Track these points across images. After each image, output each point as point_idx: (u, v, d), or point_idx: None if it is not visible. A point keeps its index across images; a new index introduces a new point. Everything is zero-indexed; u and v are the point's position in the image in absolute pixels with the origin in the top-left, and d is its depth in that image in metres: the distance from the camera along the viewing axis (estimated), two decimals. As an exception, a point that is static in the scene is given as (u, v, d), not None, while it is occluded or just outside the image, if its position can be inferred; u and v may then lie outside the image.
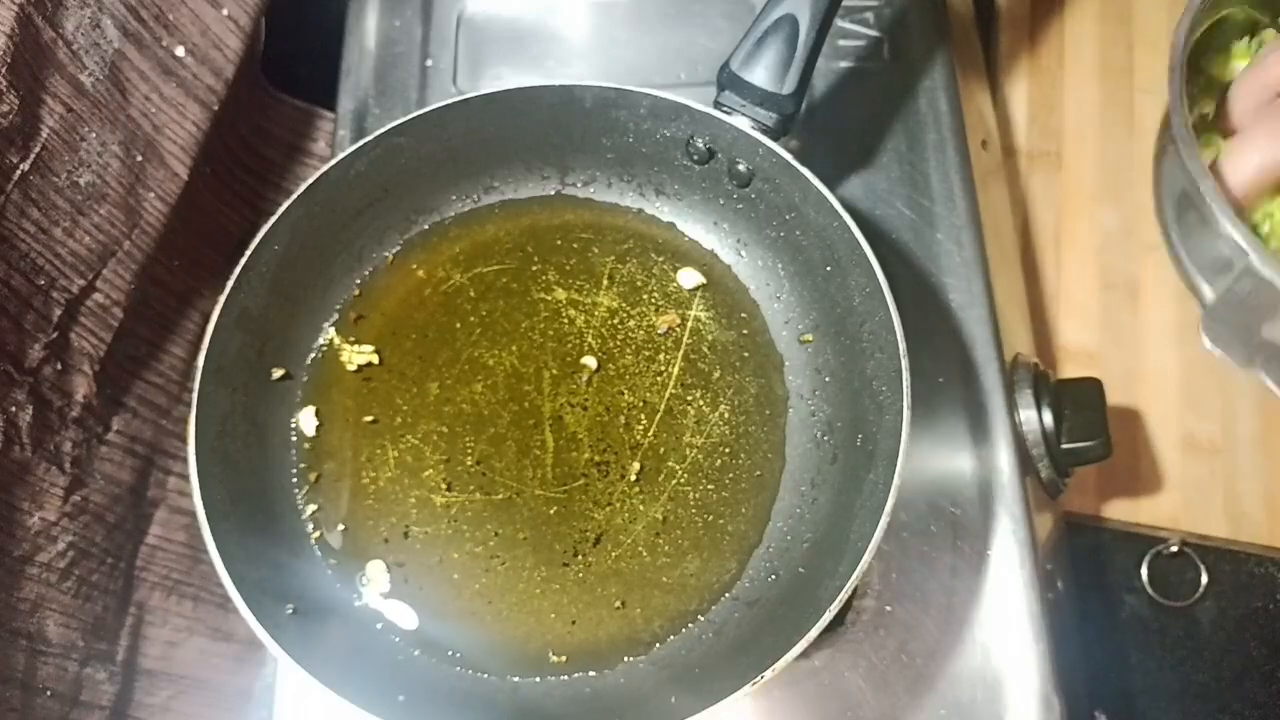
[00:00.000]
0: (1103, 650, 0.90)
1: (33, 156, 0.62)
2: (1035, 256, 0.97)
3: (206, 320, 0.66)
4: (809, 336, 0.72)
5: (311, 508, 0.69)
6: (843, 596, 0.57)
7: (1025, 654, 0.70)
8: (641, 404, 0.71)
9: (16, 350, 0.63)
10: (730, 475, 0.70)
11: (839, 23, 0.88)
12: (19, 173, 0.61)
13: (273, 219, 0.69)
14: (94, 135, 0.66)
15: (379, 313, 0.75)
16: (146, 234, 0.71)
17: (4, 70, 0.58)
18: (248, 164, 0.89)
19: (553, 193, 0.78)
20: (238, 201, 0.86)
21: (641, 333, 0.74)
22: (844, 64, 0.89)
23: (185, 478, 0.63)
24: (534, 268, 0.76)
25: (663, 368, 0.73)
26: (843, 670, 0.70)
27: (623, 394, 0.72)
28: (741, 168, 0.71)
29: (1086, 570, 0.90)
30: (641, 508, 0.69)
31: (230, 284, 0.67)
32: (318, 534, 0.69)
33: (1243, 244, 0.53)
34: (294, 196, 0.69)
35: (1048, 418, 0.76)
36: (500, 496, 0.69)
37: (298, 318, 0.73)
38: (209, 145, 0.76)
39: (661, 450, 0.70)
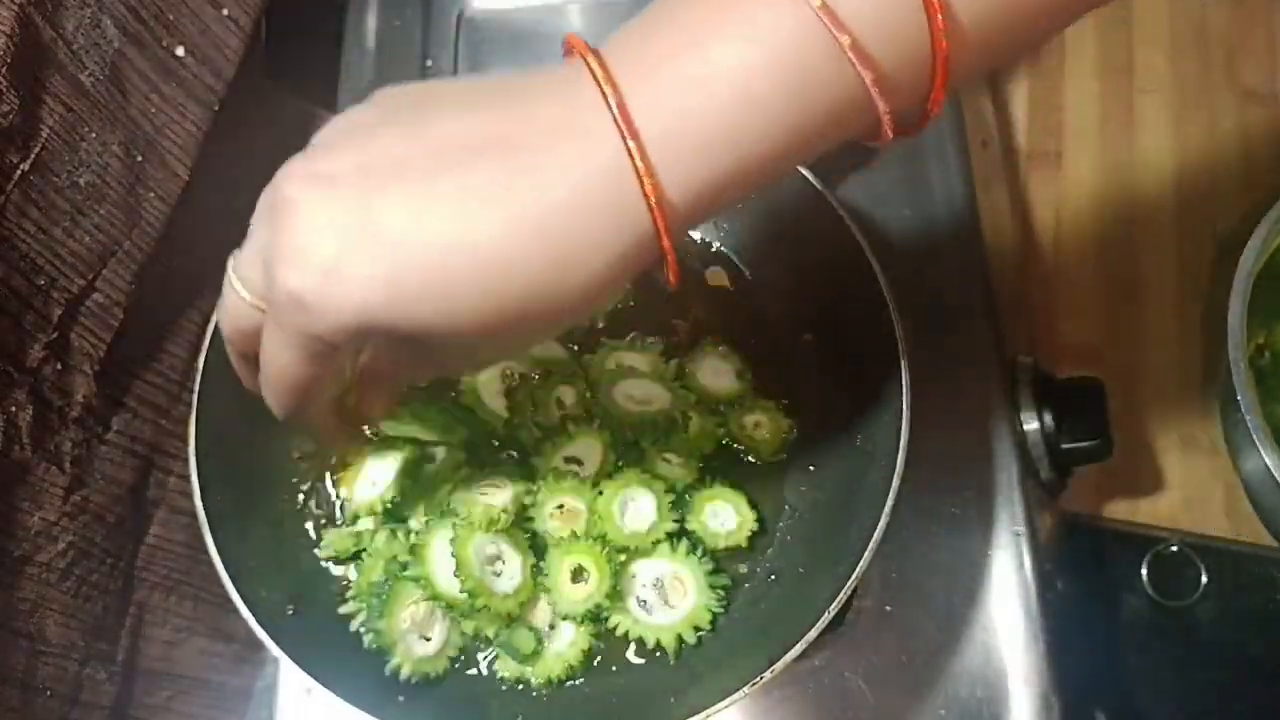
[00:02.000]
0: (1102, 650, 0.90)
1: (33, 156, 0.62)
2: (1035, 256, 0.97)
3: (206, 320, 0.66)
4: (809, 337, 0.72)
5: (312, 506, 0.69)
6: (843, 596, 0.57)
7: (1025, 654, 0.70)
8: (641, 404, 0.71)
9: (16, 350, 0.63)
10: (730, 475, 0.70)
11: (839, 23, 0.88)
12: (19, 173, 0.61)
13: (273, 219, 0.69)
14: (94, 135, 0.66)
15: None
16: (146, 234, 0.71)
17: (4, 70, 0.58)
18: (248, 164, 0.89)
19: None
20: (238, 201, 0.86)
21: (641, 333, 0.74)
22: (844, 64, 0.88)
23: (185, 478, 0.63)
24: (534, 268, 0.76)
25: (663, 368, 0.72)
26: (843, 670, 0.70)
27: (623, 394, 0.72)
28: (741, 168, 0.71)
29: (1086, 570, 0.90)
30: (641, 508, 0.69)
31: (230, 284, 0.67)
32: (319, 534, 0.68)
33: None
34: (294, 196, 0.69)
35: (1048, 418, 0.75)
36: (500, 496, 0.69)
37: (298, 318, 0.72)
38: (209, 145, 0.76)
39: (661, 450, 0.70)
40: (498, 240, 0.38)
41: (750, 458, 0.68)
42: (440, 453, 0.68)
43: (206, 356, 0.65)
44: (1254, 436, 0.65)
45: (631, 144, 0.38)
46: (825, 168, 0.68)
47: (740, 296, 0.74)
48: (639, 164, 0.38)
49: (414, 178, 0.39)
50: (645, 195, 0.38)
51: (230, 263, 0.46)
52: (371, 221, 0.38)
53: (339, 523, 0.68)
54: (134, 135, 0.70)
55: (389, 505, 0.66)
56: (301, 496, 0.69)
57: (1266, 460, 0.65)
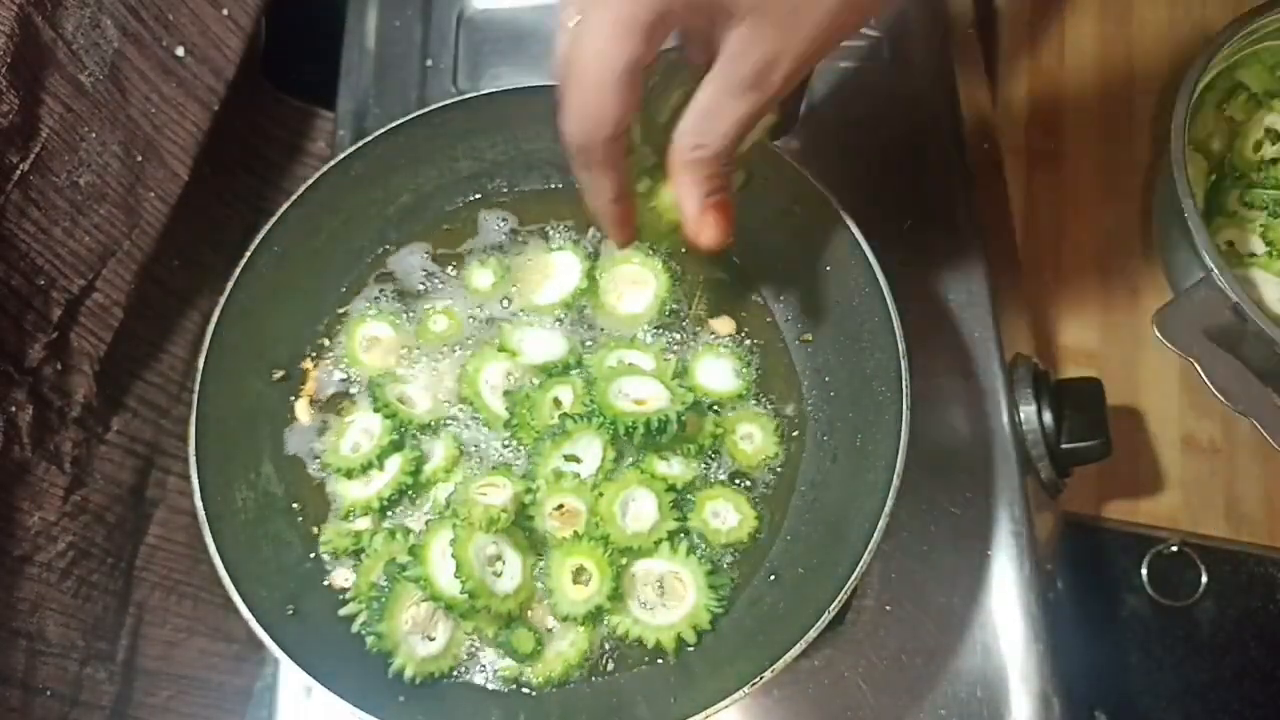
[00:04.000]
0: (1103, 650, 0.90)
1: (33, 156, 0.62)
2: (1035, 256, 0.97)
3: (206, 320, 0.66)
4: (809, 336, 0.72)
5: (312, 504, 0.69)
6: (843, 596, 0.57)
7: (1025, 654, 0.70)
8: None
9: (16, 350, 0.63)
10: (730, 475, 0.70)
11: (839, 23, 0.88)
12: (19, 173, 0.61)
13: (273, 219, 0.69)
14: (94, 135, 0.66)
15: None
16: (146, 234, 0.72)
17: (4, 70, 0.58)
18: (248, 164, 0.89)
19: (554, 189, 0.78)
20: (238, 201, 0.86)
21: (641, 333, 0.74)
22: (844, 64, 0.88)
23: (185, 478, 0.63)
24: (534, 268, 0.76)
25: (663, 368, 0.72)
26: (843, 670, 0.70)
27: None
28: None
29: (1086, 570, 0.90)
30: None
31: (230, 284, 0.67)
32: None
33: (1209, 261, 0.66)
34: (294, 197, 0.69)
35: (1048, 418, 0.75)
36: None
37: (297, 318, 0.73)
38: (209, 145, 0.76)
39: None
40: None
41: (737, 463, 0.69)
42: (438, 451, 0.68)
43: (206, 356, 0.65)
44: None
45: None
46: (826, 167, 0.68)
47: (741, 296, 0.74)
48: None
49: None
50: None
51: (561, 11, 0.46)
52: None
53: (338, 516, 0.68)
54: (134, 135, 0.70)
55: (385, 502, 0.66)
56: (298, 503, 0.69)
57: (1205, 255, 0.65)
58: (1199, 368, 0.61)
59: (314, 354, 0.73)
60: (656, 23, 0.43)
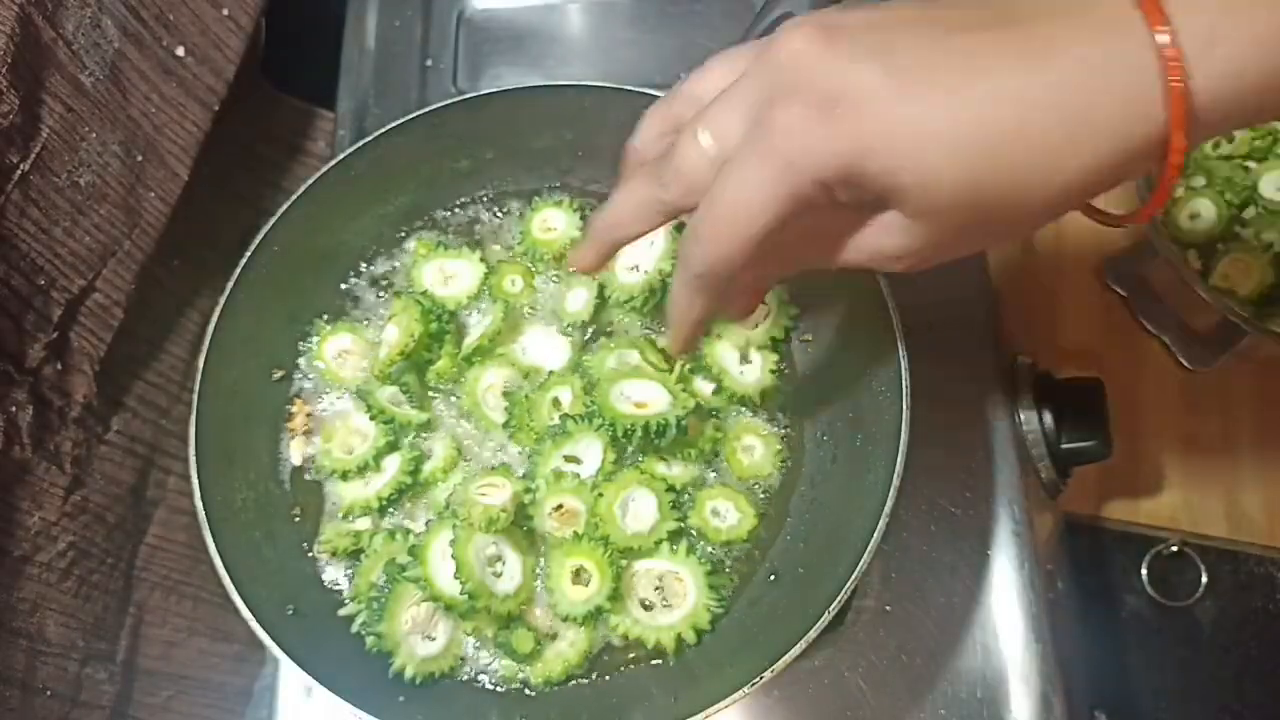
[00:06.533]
0: (1103, 650, 0.90)
1: (33, 156, 0.62)
2: (1035, 257, 0.97)
3: (206, 320, 0.66)
4: (809, 336, 0.72)
5: (311, 503, 0.69)
6: (843, 596, 0.57)
7: (1025, 654, 0.70)
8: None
9: (16, 350, 0.63)
10: (730, 475, 0.70)
11: (839, 23, 0.88)
12: (19, 173, 0.61)
13: (273, 219, 0.69)
14: (94, 135, 0.66)
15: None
16: (146, 234, 0.71)
17: (4, 70, 0.58)
18: (248, 164, 0.89)
19: (553, 189, 0.78)
20: (238, 201, 0.86)
21: (641, 333, 0.74)
22: (844, 64, 0.88)
23: (185, 478, 0.63)
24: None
25: (663, 368, 0.72)
26: (843, 670, 0.70)
27: (623, 394, 0.71)
28: (741, 168, 0.71)
29: (1086, 570, 0.90)
30: (641, 508, 0.69)
31: (230, 284, 0.67)
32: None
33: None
34: (294, 197, 0.69)
35: (1048, 418, 0.76)
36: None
37: (297, 318, 0.73)
38: (209, 145, 0.76)
39: (661, 450, 0.70)
40: (1001, 101, 0.38)
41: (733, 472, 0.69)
42: (437, 450, 0.68)
43: (206, 356, 0.65)
44: None
45: (1160, 33, 0.37)
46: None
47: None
48: (1165, 48, 0.37)
49: (924, 32, 0.40)
50: (1168, 83, 0.37)
51: (691, 128, 0.46)
52: (887, 62, 0.40)
53: (335, 516, 0.68)
54: (134, 135, 0.70)
55: (384, 502, 0.66)
56: (298, 503, 0.69)
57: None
58: (1130, 301, 0.81)
59: (298, 394, 0.72)
60: (809, 193, 0.42)
